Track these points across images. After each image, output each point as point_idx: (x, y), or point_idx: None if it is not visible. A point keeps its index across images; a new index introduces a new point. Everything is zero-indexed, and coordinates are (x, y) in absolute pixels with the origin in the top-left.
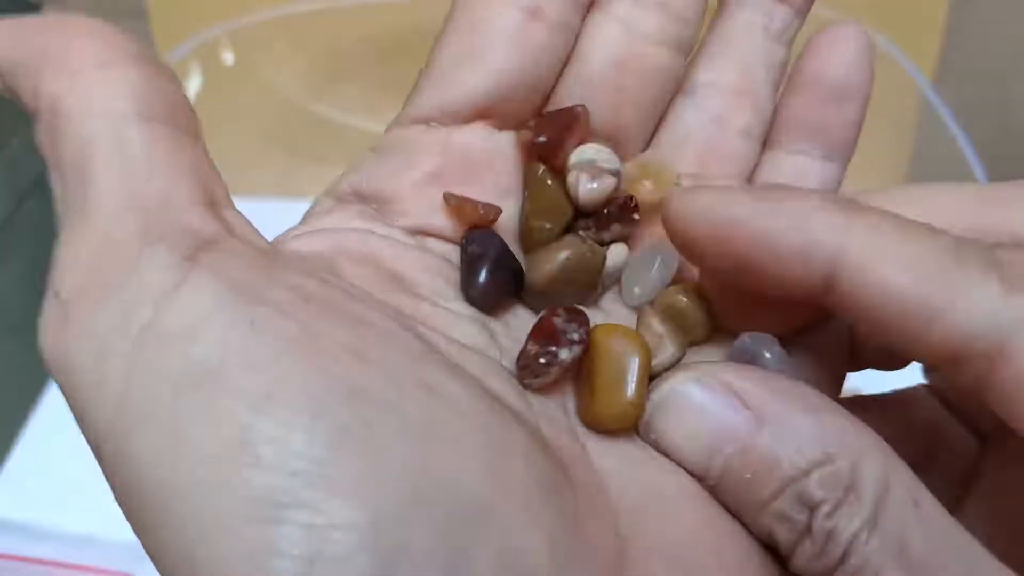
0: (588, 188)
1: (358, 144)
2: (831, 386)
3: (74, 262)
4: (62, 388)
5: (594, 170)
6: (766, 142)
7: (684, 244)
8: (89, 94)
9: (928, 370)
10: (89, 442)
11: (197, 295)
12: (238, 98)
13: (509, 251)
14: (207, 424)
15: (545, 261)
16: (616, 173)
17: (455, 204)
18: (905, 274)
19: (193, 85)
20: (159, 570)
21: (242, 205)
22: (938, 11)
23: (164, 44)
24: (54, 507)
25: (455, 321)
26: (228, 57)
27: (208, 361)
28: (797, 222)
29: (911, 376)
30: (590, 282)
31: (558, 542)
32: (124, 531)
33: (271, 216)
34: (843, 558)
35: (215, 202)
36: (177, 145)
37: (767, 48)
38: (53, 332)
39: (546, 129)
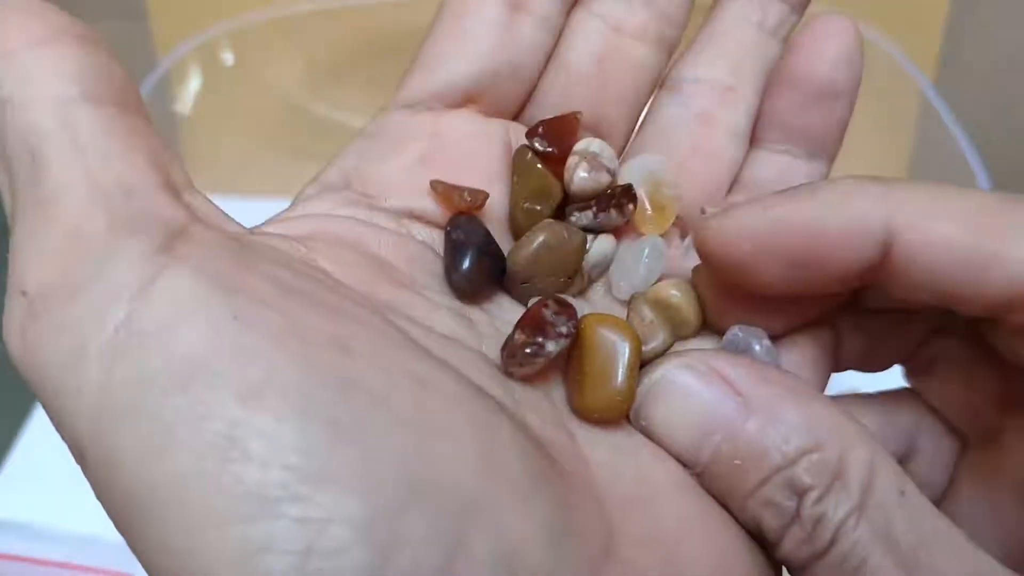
0: (582, 177)
1: None
2: (816, 386)
3: (38, 258)
4: (35, 388)
5: (595, 162)
6: (753, 137)
7: (731, 264)
8: (29, 77)
9: (909, 374)
10: (67, 441)
11: (174, 288)
12: (238, 98)
13: (491, 238)
14: (194, 420)
15: (523, 244)
16: (613, 173)
17: (442, 191)
18: (958, 224)
19: (193, 85)
20: (146, 570)
21: (242, 205)
22: (938, 11)
23: (164, 44)
24: (54, 507)
25: (435, 311)
26: (228, 57)
27: (192, 356)
28: (840, 202)
29: (893, 379)
30: (571, 265)
31: (552, 529)
32: None
33: (271, 216)
34: (831, 544)
35: (176, 186)
36: (130, 127)
37: (760, 43)
38: (21, 331)
39: (552, 139)
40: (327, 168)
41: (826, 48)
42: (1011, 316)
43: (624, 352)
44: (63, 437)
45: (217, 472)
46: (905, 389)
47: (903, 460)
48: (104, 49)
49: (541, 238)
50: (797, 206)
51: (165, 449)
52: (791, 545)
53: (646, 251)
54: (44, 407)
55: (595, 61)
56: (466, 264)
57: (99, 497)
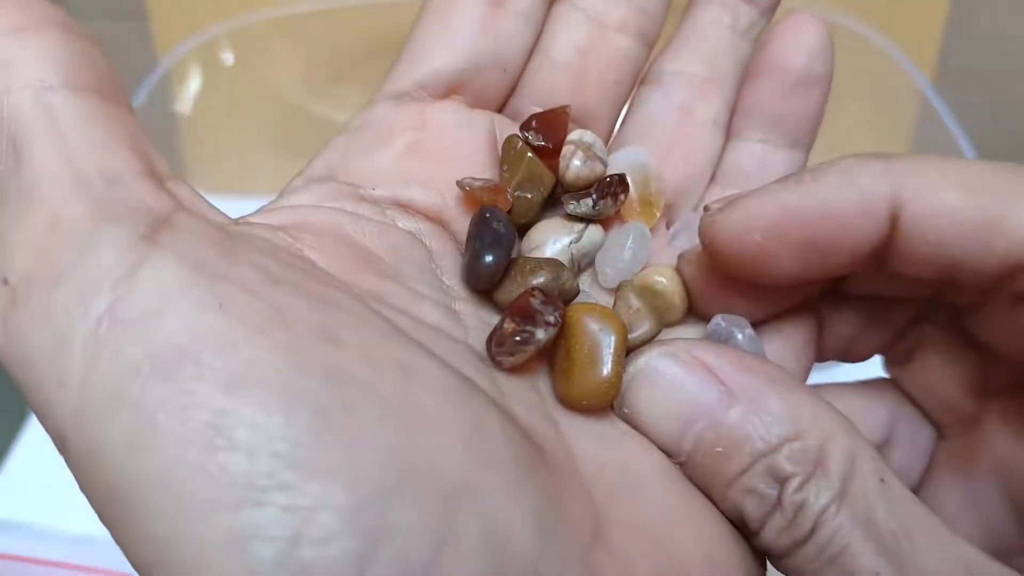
0: (577, 166)
1: None
2: (798, 375)
3: (21, 246)
4: (17, 378)
5: (590, 152)
6: (730, 131)
7: (742, 256)
8: (10, 64)
9: (889, 363)
10: (50, 433)
11: (158, 277)
12: (238, 98)
13: (513, 232)
14: (179, 410)
15: (519, 283)
16: (605, 163)
17: (471, 190)
18: (963, 193)
19: (193, 85)
20: (131, 561)
21: (242, 205)
22: (938, 11)
23: (164, 44)
24: (54, 507)
25: (420, 301)
26: (228, 57)
27: (176, 345)
28: (845, 181)
29: (872, 370)
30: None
31: (541, 516)
32: None
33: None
34: (812, 531)
35: (159, 175)
36: (111, 115)
37: (733, 43)
38: (3, 320)
39: (545, 132)
40: (313, 161)
41: (801, 40)
42: (1014, 283)
43: (610, 341)
44: (46, 428)
45: (203, 461)
46: (882, 379)
47: (880, 449)
48: (86, 37)
49: (539, 280)
50: (803, 190)
51: (150, 439)
52: (772, 533)
53: (630, 238)
54: (27, 398)
55: (578, 52)
56: (491, 257)
57: (83, 489)
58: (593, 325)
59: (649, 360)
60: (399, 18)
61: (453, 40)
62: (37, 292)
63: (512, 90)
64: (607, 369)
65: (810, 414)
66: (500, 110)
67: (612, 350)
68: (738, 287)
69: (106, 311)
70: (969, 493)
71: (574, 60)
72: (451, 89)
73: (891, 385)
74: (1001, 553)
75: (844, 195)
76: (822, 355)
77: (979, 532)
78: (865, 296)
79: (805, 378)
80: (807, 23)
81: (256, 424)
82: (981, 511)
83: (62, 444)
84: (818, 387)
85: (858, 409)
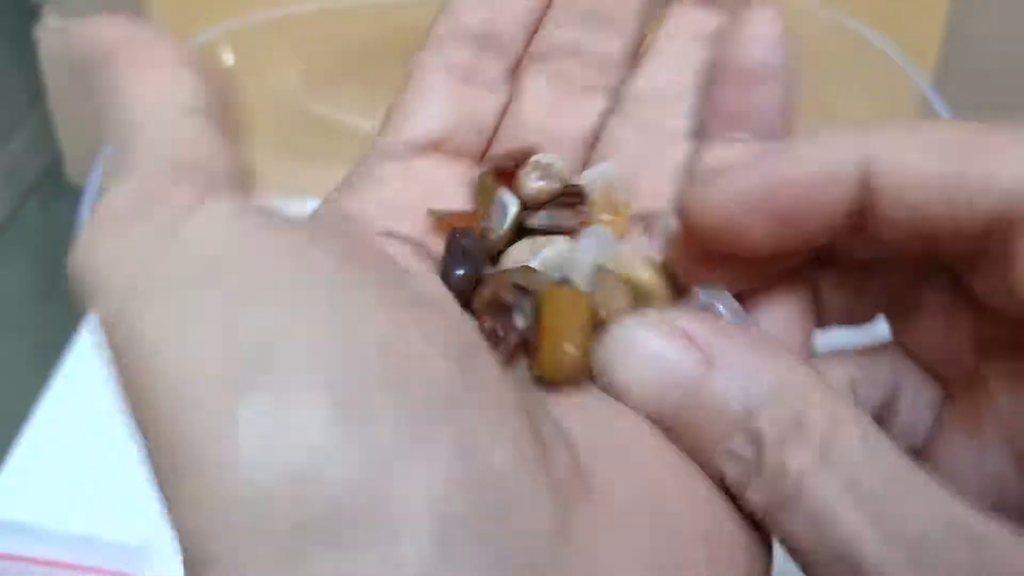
0: (534, 183)
1: (358, 144)
2: (800, 344)
3: (114, 197)
4: (82, 297)
5: (547, 172)
6: (703, 134)
7: (718, 229)
8: (149, 85)
9: (891, 324)
10: (102, 331)
11: (217, 208)
12: (238, 98)
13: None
14: (210, 309)
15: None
16: (564, 182)
17: (438, 220)
18: (934, 154)
19: None
20: (154, 472)
21: None
22: (938, 11)
23: None
24: (54, 507)
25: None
26: (228, 57)
27: (219, 256)
28: (811, 149)
29: (877, 332)
30: None
31: (520, 445)
32: (124, 531)
33: None
34: (795, 494)
35: (247, 191)
36: (218, 137)
37: (697, 52)
38: (83, 249)
39: (508, 159)
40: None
41: (754, 35)
42: (999, 238)
43: (577, 313)
44: (98, 333)
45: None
46: (885, 342)
47: (885, 412)
48: (217, 77)
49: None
50: (774, 160)
51: (184, 331)
52: (756, 497)
53: (591, 241)
54: (90, 314)
55: (547, 115)
56: (461, 271)
57: (120, 389)
58: (559, 300)
59: (624, 329)
60: (399, 18)
61: (429, 112)
62: (117, 224)
63: (489, 144)
64: (574, 340)
65: (789, 377)
66: (480, 160)
67: (579, 321)
68: (722, 261)
69: (165, 232)
70: (977, 452)
71: (545, 123)
72: (433, 147)
73: (895, 348)
74: (1013, 513)
75: (811, 164)
76: (822, 321)
77: (989, 491)
78: (860, 260)
79: (807, 345)
80: (760, 18)
81: (261, 321)
82: (990, 470)
83: (109, 337)
84: (820, 355)
85: (860, 372)
